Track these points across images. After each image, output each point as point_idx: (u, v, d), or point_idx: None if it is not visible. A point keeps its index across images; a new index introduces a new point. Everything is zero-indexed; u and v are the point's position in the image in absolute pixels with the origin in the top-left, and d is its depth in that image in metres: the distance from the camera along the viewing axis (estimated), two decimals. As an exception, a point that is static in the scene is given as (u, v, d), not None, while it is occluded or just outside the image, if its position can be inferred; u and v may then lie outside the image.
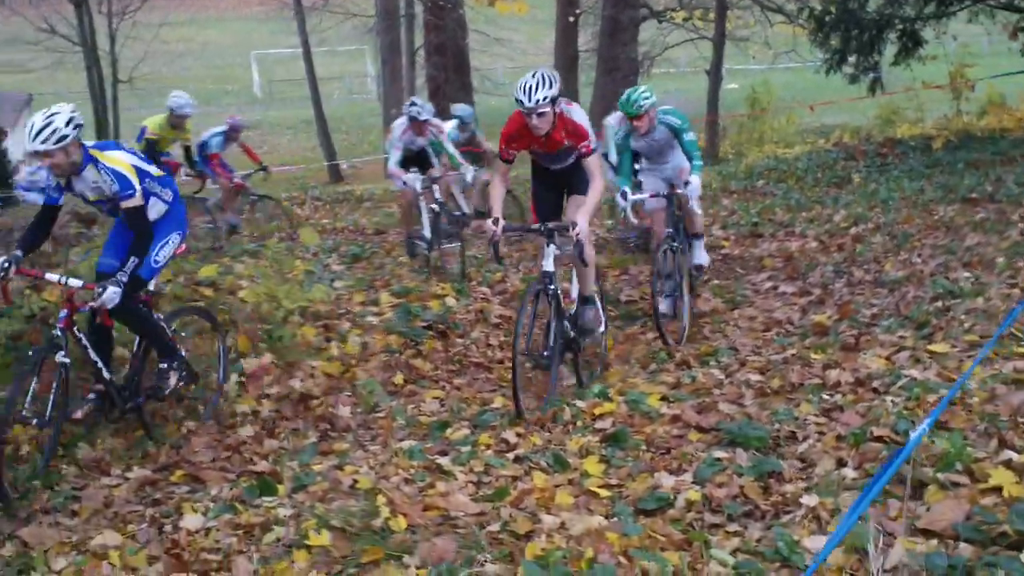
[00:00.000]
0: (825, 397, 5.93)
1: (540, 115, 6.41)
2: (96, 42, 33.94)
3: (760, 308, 8.76)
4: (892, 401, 5.42)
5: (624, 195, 8.35)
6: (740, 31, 30.74)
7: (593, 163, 6.71)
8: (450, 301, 9.03)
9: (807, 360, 6.85)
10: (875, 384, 6.03)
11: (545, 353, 6.69)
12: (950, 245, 9.62)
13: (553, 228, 6.68)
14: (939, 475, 4.37)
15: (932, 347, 6.58)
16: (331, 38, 29.59)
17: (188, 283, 8.13)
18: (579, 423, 6.03)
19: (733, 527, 4.39)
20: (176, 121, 12.67)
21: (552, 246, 6.67)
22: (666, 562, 4.01)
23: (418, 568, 4.26)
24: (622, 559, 4.11)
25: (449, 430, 6.22)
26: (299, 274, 9.28)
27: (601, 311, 7.39)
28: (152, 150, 12.28)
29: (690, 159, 8.48)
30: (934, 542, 3.85)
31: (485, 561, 4.24)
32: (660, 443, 5.59)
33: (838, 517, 4.09)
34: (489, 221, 6.61)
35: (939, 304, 7.74)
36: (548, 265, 6.64)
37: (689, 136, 8.44)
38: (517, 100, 6.41)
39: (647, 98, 8.32)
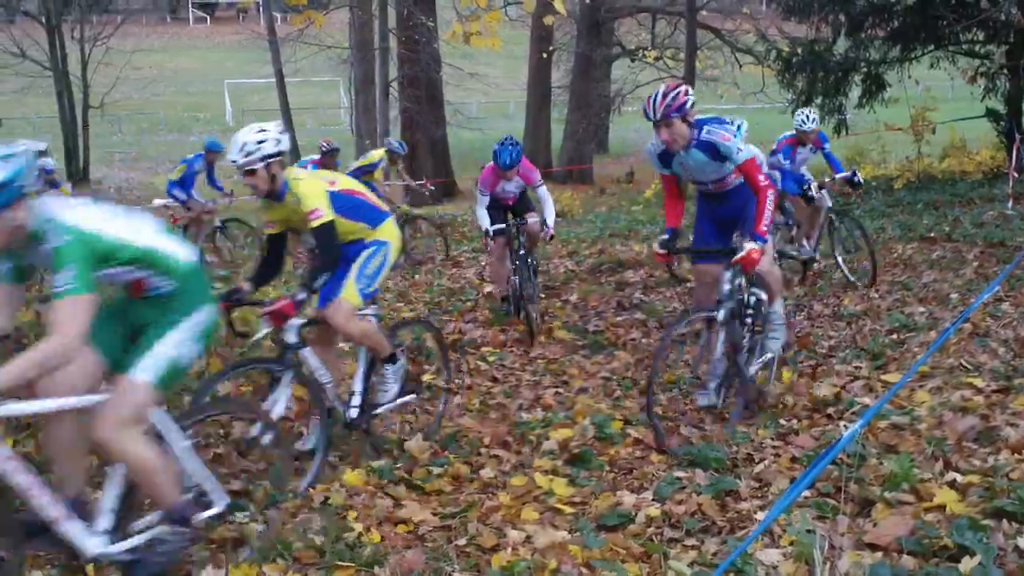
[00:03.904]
0: (782, 422, 6.18)
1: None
2: (68, 67, 34.00)
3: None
4: (844, 425, 5.65)
5: None
6: (710, 71, 31.29)
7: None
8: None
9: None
10: (829, 411, 6.29)
11: None
12: (907, 281, 9.91)
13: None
14: (886, 494, 4.60)
15: (885, 377, 6.85)
16: (305, 68, 29.77)
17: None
18: (544, 445, 6.20)
19: (691, 541, 4.56)
20: None
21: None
22: (625, 572, 4.19)
23: (388, 579, 4.43)
24: (584, 570, 4.28)
25: (419, 450, 6.36)
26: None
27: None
28: None
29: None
30: (879, 555, 4.06)
31: (453, 572, 4.40)
32: (623, 464, 5.79)
33: (789, 531, 4.29)
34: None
35: (894, 337, 8.02)
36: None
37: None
38: None
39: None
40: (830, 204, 10.77)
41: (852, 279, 10.37)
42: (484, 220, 9.68)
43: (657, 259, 6.81)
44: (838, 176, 10.84)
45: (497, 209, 9.87)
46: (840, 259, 10.61)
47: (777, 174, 10.24)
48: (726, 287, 6.26)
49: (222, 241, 15.97)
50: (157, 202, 16.02)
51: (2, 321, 4.27)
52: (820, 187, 10.56)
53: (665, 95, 6.11)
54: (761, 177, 6.23)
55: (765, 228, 6.12)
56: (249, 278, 6.10)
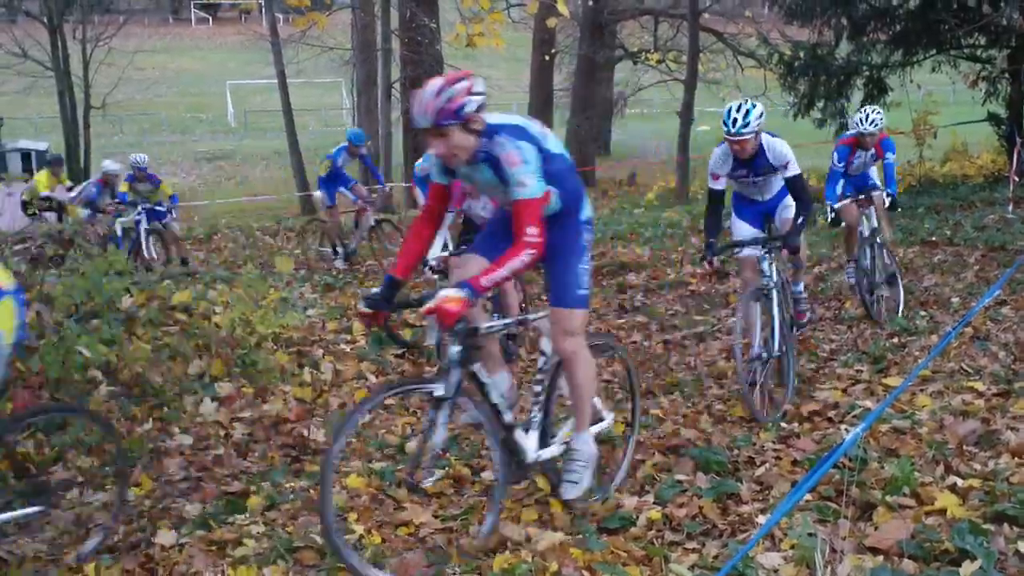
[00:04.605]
0: (783, 425, 6.19)
1: None
2: (70, 67, 34.02)
3: (724, 342, 8.97)
4: (846, 429, 5.65)
5: None
6: (712, 74, 31.30)
7: None
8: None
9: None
10: (830, 414, 6.30)
11: None
12: (908, 285, 9.90)
13: None
14: (887, 498, 4.61)
15: (886, 381, 6.86)
16: (307, 69, 29.78)
17: (162, 308, 8.20)
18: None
19: (692, 544, 4.57)
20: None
21: None
22: (627, 575, 4.20)
23: (388, 581, 4.43)
24: (585, 573, 4.29)
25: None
26: (272, 301, 9.36)
27: None
28: None
29: None
30: (880, 559, 4.07)
31: (453, 574, 4.41)
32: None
33: (791, 534, 4.30)
34: None
35: (895, 341, 8.03)
36: None
37: None
38: None
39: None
40: (876, 225, 9.11)
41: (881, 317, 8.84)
42: (435, 244, 7.97)
43: (362, 320, 4.87)
44: (875, 193, 9.16)
45: (473, 227, 8.66)
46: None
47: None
48: (454, 351, 4.54)
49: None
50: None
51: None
52: (864, 205, 9.11)
53: (438, 93, 4.33)
54: (531, 230, 4.40)
55: (486, 283, 4.36)
56: None
